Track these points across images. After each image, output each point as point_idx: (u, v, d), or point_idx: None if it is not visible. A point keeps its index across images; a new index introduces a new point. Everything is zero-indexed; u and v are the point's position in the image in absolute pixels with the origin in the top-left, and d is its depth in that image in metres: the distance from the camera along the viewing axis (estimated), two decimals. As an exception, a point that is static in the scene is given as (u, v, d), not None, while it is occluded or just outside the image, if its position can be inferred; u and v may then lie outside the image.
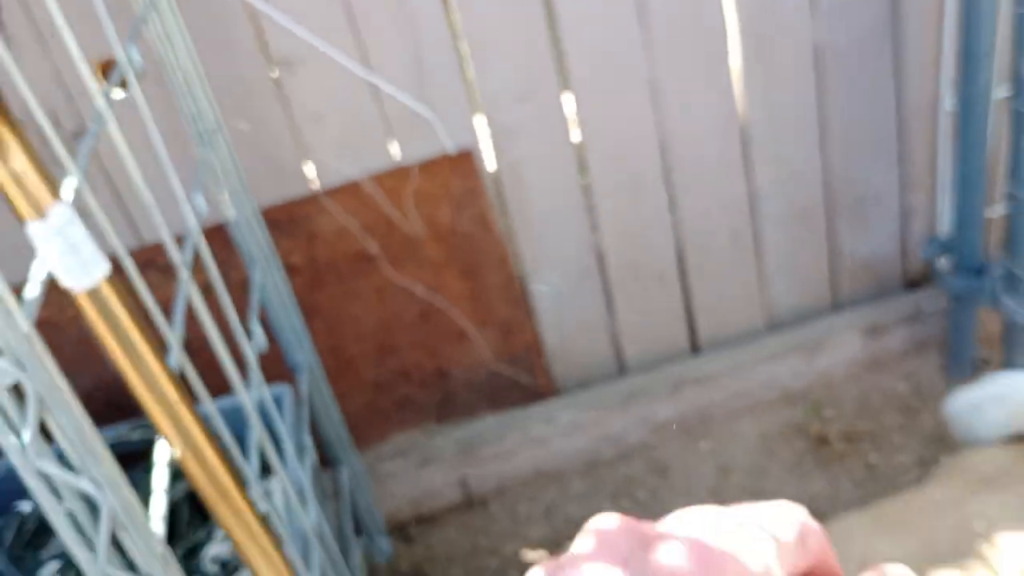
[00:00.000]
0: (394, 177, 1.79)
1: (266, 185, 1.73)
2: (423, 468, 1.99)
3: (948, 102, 1.82)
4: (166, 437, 0.92)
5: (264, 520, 1.00)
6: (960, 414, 1.80)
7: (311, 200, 1.78)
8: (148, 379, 0.88)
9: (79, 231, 0.79)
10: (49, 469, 0.74)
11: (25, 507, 1.42)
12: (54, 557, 1.37)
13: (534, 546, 1.93)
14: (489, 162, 1.83)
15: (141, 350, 0.86)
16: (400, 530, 2.02)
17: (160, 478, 0.93)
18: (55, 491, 0.76)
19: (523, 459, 2.01)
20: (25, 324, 0.71)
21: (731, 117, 1.85)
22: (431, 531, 2.01)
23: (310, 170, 1.77)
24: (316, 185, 1.77)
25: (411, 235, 1.84)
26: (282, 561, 1.02)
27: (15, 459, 0.73)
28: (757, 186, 1.92)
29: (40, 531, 1.42)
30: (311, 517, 1.37)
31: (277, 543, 1.02)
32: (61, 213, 0.78)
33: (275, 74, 1.68)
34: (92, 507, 0.78)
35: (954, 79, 1.76)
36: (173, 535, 1.51)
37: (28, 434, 0.72)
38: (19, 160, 0.76)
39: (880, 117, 1.90)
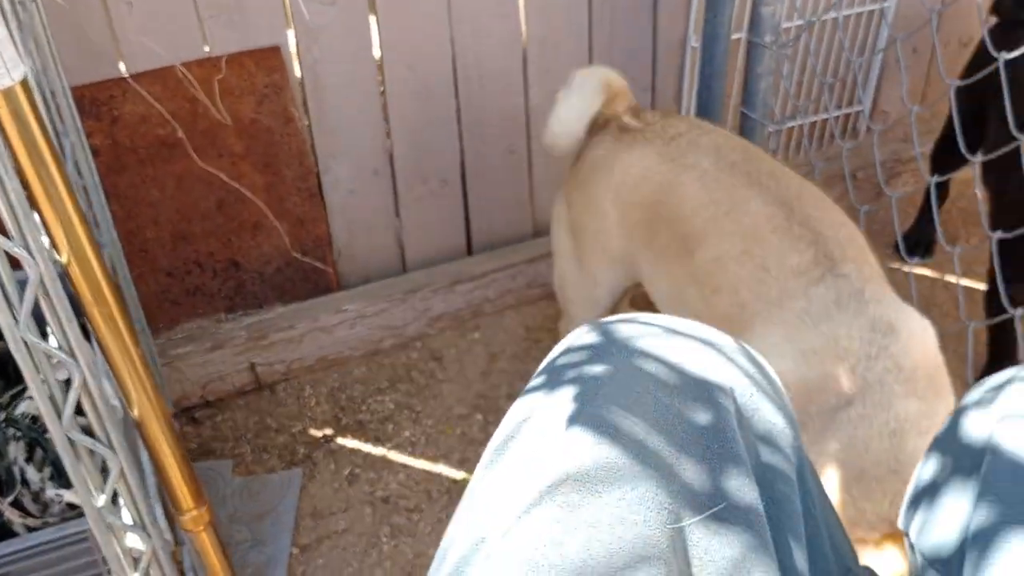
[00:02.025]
0: (202, 67, 1.86)
1: (73, 64, 1.75)
2: (213, 354, 2.08)
3: (694, 40, 2.14)
4: (56, 243, 1.00)
5: (131, 328, 1.10)
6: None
7: (117, 83, 1.82)
8: (48, 182, 0.96)
9: (2, 31, 0.88)
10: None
11: None
12: None
13: (319, 425, 2.08)
14: (294, 60, 1.94)
15: (45, 153, 0.95)
16: (187, 412, 2.11)
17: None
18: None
19: (310, 346, 2.15)
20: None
21: (515, 37, 2.07)
22: (220, 413, 2.11)
23: (118, 53, 1.80)
24: (123, 68, 1.82)
25: (213, 125, 1.92)
26: (144, 367, 1.13)
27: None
28: (532, 102, 2.16)
29: None
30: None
31: (140, 350, 1.12)
32: (-12, 12, 0.86)
33: (89, -49, 1.71)
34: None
35: (699, 20, 2.07)
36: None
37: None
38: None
39: (638, 50, 2.19)
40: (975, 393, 0.74)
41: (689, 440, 0.65)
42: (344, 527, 1.87)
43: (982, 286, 2.09)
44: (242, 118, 1.93)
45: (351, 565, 1.81)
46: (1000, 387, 0.71)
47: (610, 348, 0.70)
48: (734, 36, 2.07)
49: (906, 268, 2.11)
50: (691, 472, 0.63)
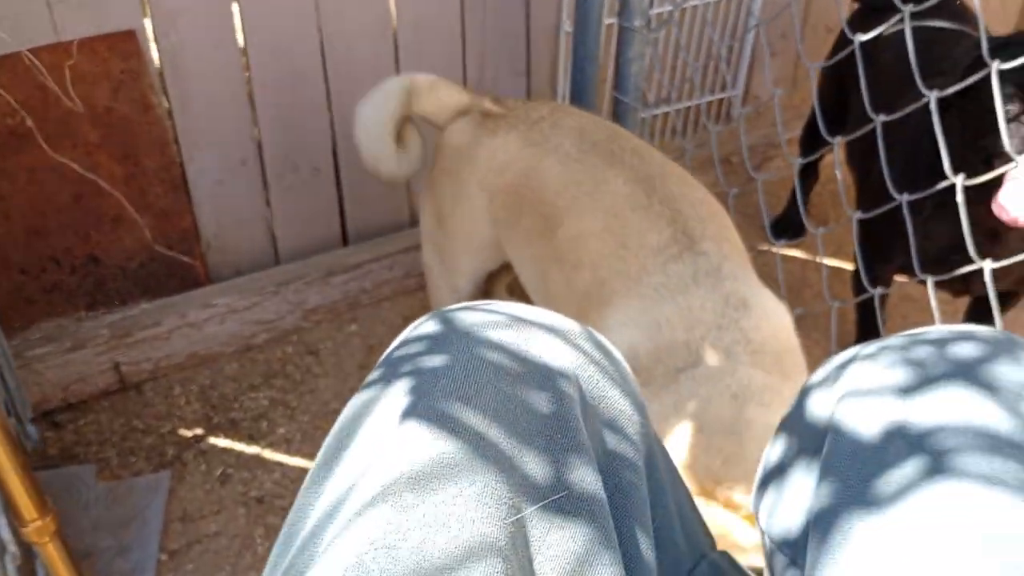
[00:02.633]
0: (51, 53, 1.76)
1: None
2: (73, 354, 1.98)
3: (567, 24, 2.13)
4: None
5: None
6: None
7: (-44, 68, 1.71)
8: None
9: None
10: None
11: None
12: None
13: (189, 425, 2.00)
14: (151, 45, 1.86)
15: None
16: (47, 416, 2.00)
17: None
18: None
19: (178, 343, 2.07)
20: None
21: (385, 21, 2.02)
22: (82, 416, 2.01)
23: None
24: (-38, 52, 1.71)
25: (66, 114, 1.82)
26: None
27: None
28: (405, 89, 2.12)
29: None
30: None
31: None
32: None
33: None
34: None
35: (572, 5, 2.06)
36: None
37: None
38: None
39: (512, 34, 2.17)
40: (820, 372, 0.73)
41: (531, 430, 0.63)
42: (216, 530, 1.81)
43: (851, 266, 2.14)
44: (97, 106, 1.84)
45: (223, 569, 1.74)
46: (843, 365, 0.70)
47: (450, 337, 0.67)
48: (608, 21, 2.06)
49: (776, 250, 2.14)
50: (533, 464, 0.61)
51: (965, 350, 0.64)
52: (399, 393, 0.64)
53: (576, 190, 1.43)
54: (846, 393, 0.66)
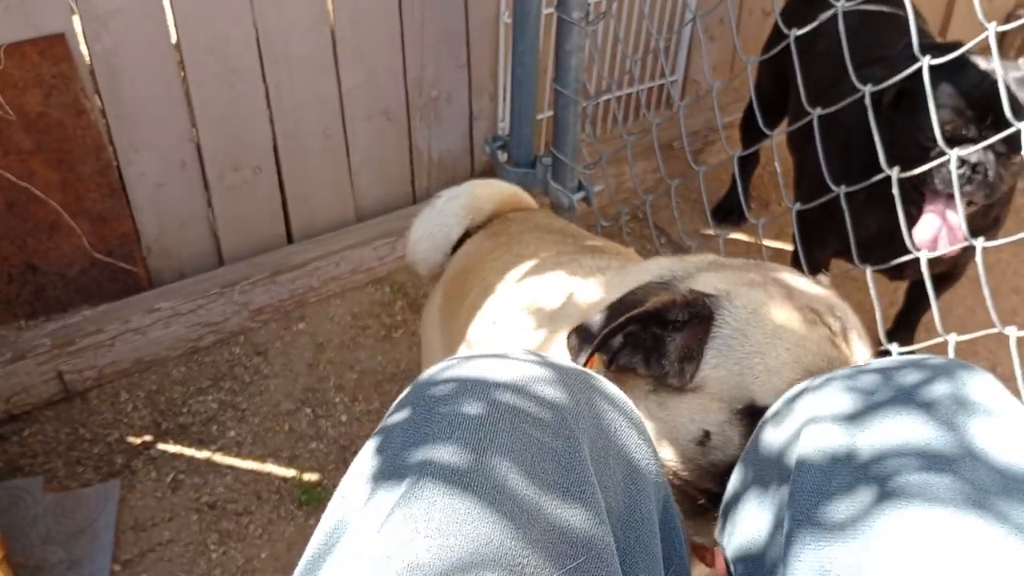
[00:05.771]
0: (-23, 57, 1.72)
1: None
2: (15, 364, 1.94)
3: (506, 15, 2.12)
4: None
5: None
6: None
7: None
8: None
9: None
10: None
11: None
12: None
13: (137, 432, 1.98)
14: (82, 48, 1.82)
15: None
16: (-9, 429, 1.97)
17: None
18: None
19: (122, 349, 2.04)
20: None
21: (322, 16, 1.99)
22: (27, 427, 1.98)
23: None
24: None
25: (-4, 121, 1.78)
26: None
27: None
28: (346, 85, 2.10)
29: None
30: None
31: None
32: None
33: None
34: None
35: (510, -4, 2.06)
36: None
37: None
38: None
39: (451, 27, 2.16)
40: (773, 407, 0.75)
41: (547, 481, 0.61)
42: (169, 537, 1.79)
43: (791, 247, 2.17)
44: (28, 112, 1.80)
45: (178, 577, 1.73)
46: (793, 399, 0.72)
47: (467, 385, 0.66)
48: (547, 11, 2.06)
49: (719, 234, 2.16)
50: (552, 517, 0.60)
51: (908, 376, 0.67)
52: (413, 439, 0.63)
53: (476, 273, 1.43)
54: (801, 424, 0.68)
